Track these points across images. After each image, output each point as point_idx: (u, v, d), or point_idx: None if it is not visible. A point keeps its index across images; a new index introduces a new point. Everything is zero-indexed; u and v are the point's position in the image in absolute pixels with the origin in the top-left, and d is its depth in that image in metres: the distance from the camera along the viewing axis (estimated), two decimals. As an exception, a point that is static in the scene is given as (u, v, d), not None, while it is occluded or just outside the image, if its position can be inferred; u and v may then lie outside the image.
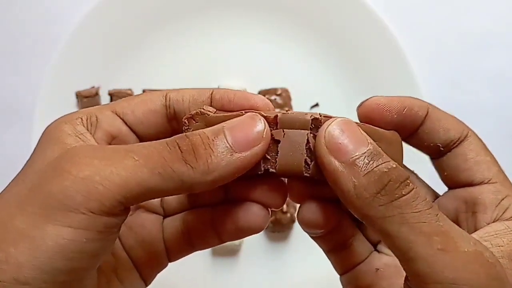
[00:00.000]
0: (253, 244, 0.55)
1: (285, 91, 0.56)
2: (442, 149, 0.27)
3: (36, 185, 0.21)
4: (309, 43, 0.57)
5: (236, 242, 0.53)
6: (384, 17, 0.55)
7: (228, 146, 0.23)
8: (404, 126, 0.27)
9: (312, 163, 0.25)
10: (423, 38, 0.58)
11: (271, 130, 0.25)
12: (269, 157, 0.25)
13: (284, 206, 0.53)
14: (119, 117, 0.26)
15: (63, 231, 0.20)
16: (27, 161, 0.24)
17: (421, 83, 0.55)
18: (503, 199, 0.26)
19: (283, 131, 0.25)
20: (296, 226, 0.55)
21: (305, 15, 0.57)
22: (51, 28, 0.57)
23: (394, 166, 0.23)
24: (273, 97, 0.55)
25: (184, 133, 0.23)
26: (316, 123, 0.25)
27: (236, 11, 0.57)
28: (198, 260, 0.55)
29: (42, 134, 0.25)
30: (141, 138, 0.27)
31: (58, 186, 0.20)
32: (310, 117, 0.25)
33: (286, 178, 0.27)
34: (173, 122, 0.27)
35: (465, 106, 0.57)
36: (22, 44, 0.58)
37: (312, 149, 0.24)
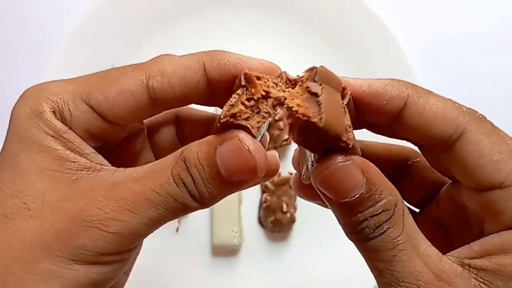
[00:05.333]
0: (253, 244, 0.55)
1: (285, 91, 0.56)
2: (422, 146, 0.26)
3: (64, 234, 0.22)
4: (309, 43, 0.57)
5: (236, 242, 0.53)
6: (385, 17, 0.55)
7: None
8: (378, 117, 0.25)
9: (351, 128, 0.22)
10: (423, 39, 0.58)
11: (305, 82, 0.23)
12: (303, 104, 0.21)
13: (284, 206, 0.53)
14: (96, 112, 0.24)
15: (94, 269, 0.23)
16: (4, 164, 0.24)
17: (422, 82, 0.55)
18: None
19: (321, 85, 0.22)
20: (296, 226, 0.55)
21: (306, 15, 0.57)
22: (51, 28, 0.57)
23: None
24: (273, 97, 0.55)
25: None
26: (342, 93, 0.23)
27: (236, 12, 0.57)
28: (198, 260, 0.55)
29: (9, 128, 0.24)
30: (121, 128, 0.27)
31: (92, 241, 0.22)
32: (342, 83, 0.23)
33: (319, 134, 0.22)
34: (159, 106, 0.26)
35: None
36: (22, 44, 0.58)
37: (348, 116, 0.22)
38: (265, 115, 0.23)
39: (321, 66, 0.23)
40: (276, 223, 0.54)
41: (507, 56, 0.59)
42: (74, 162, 0.23)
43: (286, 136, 0.55)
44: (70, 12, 0.57)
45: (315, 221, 0.55)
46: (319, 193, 0.23)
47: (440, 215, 0.28)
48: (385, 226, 0.22)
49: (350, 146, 0.22)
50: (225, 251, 0.55)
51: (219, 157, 0.23)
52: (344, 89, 0.24)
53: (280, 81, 0.24)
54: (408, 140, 0.26)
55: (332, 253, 0.55)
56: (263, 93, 0.23)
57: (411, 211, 0.29)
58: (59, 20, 0.58)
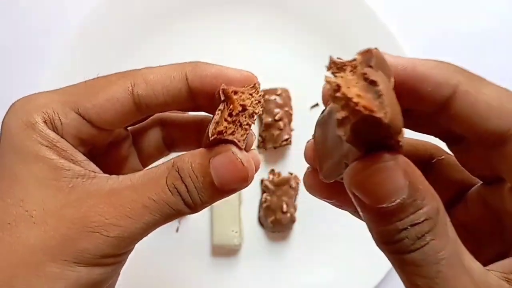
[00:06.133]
0: (253, 244, 0.55)
1: (285, 91, 0.56)
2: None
3: (67, 239, 0.24)
4: (309, 43, 0.57)
5: (236, 242, 0.53)
6: (385, 17, 0.55)
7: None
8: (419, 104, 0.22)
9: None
10: (423, 38, 0.58)
11: (359, 68, 0.19)
12: (363, 94, 0.17)
13: (284, 206, 0.53)
14: (85, 119, 0.26)
15: (95, 270, 0.24)
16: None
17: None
18: None
19: (378, 71, 0.18)
20: (296, 226, 0.55)
21: (306, 15, 0.57)
22: (51, 28, 0.57)
23: None
24: (273, 97, 0.55)
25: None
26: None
27: (236, 12, 0.57)
28: (198, 260, 0.55)
29: (1, 141, 0.25)
30: (108, 133, 0.28)
31: (94, 246, 0.24)
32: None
33: (376, 130, 0.18)
34: (144, 111, 0.27)
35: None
36: (22, 45, 0.58)
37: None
38: (247, 127, 0.25)
39: (376, 49, 0.19)
40: (276, 223, 0.54)
41: (508, 56, 0.58)
42: (69, 170, 0.25)
43: (286, 136, 0.55)
44: (71, 12, 0.57)
45: (315, 221, 0.55)
46: (351, 195, 0.21)
47: (468, 219, 0.26)
48: (428, 237, 0.19)
49: (401, 144, 0.19)
50: (225, 251, 0.55)
51: (214, 169, 0.24)
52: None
53: (255, 91, 0.26)
54: (450, 133, 0.24)
55: (332, 253, 0.55)
56: (240, 108, 0.25)
57: None
58: (59, 20, 0.57)
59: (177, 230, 0.55)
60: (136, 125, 0.31)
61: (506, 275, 0.20)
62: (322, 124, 0.24)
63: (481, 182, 0.25)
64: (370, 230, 0.21)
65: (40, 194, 0.24)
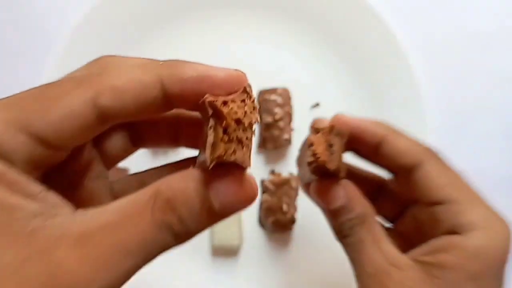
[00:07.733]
0: (253, 245, 0.55)
1: (285, 91, 0.56)
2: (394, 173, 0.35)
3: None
4: (309, 43, 0.57)
5: (236, 242, 0.53)
6: (385, 16, 0.55)
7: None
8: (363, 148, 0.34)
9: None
10: (424, 38, 0.58)
11: (326, 134, 0.30)
12: (324, 151, 0.30)
13: (285, 206, 0.53)
14: (37, 140, 0.21)
15: None
16: None
17: (422, 82, 0.55)
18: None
19: (337, 135, 0.31)
20: (297, 226, 0.55)
21: (306, 15, 0.57)
22: (51, 27, 0.57)
23: None
24: (273, 97, 0.55)
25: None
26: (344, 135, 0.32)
27: (236, 12, 0.57)
28: (198, 260, 0.55)
29: None
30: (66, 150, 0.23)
31: None
32: None
33: (328, 170, 0.30)
34: (109, 123, 0.23)
35: (465, 106, 0.57)
36: (22, 44, 0.58)
37: None
38: (247, 141, 0.21)
39: (335, 124, 0.31)
40: (276, 223, 0.54)
41: (508, 56, 0.58)
42: (24, 209, 0.19)
43: (286, 136, 0.55)
44: (70, 11, 0.57)
45: (316, 222, 0.55)
46: (316, 201, 0.33)
47: (404, 228, 0.36)
48: (357, 228, 0.31)
49: (342, 177, 0.32)
50: (225, 252, 0.55)
51: (216, 193, 0.21)
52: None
53: (247, 97, 0.21)
54: (385, 168, 0.35)
55: (333, 253, 0.55)
56: (235, 125, 0.20)
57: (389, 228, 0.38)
58: (59, 19, 0.57)
59: (177, 231, 0.55)
60: None
61: (414, 256, 0.31)
62: (304, 144, 0.34)
63: (413, 202, 0.35)
64: (330, 225, 0.34)
65: None
